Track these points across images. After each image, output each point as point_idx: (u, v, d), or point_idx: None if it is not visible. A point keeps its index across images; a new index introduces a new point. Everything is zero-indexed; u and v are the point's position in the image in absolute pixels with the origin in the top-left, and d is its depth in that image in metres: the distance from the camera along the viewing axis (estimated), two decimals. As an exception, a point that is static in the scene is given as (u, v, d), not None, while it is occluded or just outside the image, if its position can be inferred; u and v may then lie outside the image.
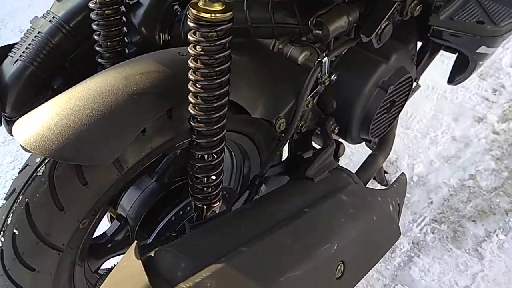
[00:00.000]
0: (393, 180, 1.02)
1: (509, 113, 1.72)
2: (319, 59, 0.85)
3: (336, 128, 1.00)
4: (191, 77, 0.62)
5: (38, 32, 0.84)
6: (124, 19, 0.82)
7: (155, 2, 0.92)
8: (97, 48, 0.83)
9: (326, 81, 0.90)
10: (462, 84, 1.83)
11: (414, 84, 1.26)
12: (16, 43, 0.86)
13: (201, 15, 0.55)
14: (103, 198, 0.68)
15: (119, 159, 0.66)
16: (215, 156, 0.73)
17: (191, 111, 0.65)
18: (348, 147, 1.26)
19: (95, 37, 0.81)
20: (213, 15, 0.55)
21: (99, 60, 0.84)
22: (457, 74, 1.12)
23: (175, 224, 0.86)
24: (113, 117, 0.62)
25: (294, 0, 0.90)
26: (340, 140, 1.07)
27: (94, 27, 0.80)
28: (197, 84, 0.62)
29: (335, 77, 0.94)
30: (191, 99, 0.64)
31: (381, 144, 1.14)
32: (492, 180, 1.50)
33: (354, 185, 0.87)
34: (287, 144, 1.04)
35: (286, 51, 0.98)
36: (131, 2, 0.89)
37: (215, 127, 0.68)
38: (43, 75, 0.84)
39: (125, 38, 0.84)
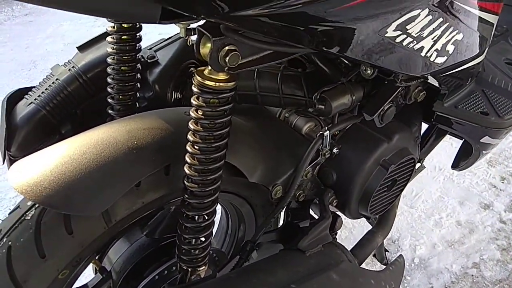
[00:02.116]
0: (391, 261, 0.99)
1: (517, 203, 1.68)
2: (320, 132, 0.86)
3: (335, 201, 0.99)
4: (190, 138, 0.63)
5: (56, 79, 0.89)
6: (139, 75, 0.86)
7: (172, 62, 0.97)
8: (109, 100, 0.86)
9: (326, 153, 0.91)
10: (469, 169, 1.83)
11: (418, 164, 1.27)
12: (33, 87, 0.90)
13: (205, 82, 0.58)
14: (87, 249, 0.67)
15: (109, 211, 0.66)
16: (206, 218, 0.72)
17: (186, 171, 0.66)
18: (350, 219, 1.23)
19: (109, 89, 0.85)
20: (217, 83, 0.58)
21: (109, 111, 0.87)
22: (462, 160, 1.12)
23: (158, 284, 0.83)
24: (109, 168, 0.63)
25: (303, 74, 0.94)
26: (339, 213, 1.05)
27: (109, 80, 0.84)
28: (195, 146, 0.64)
29: (337, 150, 0.95)
30: (187, 159, 0.65)
31: (381, 222, 1.12)
32: (497, 272, 1.44)
33: (347, 263, 0.84)
34: (284, 212, 1.04)
35: (291, 120, 1.01)
36: (149, 61, 0.94)
37: (208, 188, 0.68)
38: (54, 119, 0.87)
39: (137, 93, 0.87)
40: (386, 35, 0.56)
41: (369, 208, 1.00)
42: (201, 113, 0.61)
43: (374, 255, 1.50)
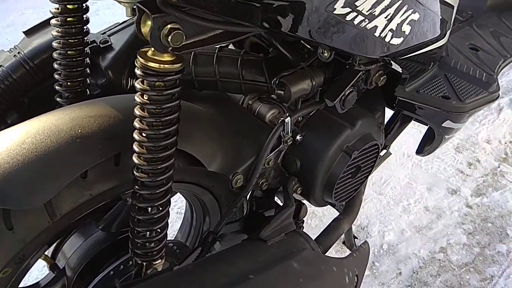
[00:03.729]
0: (357, 247, 0.98)
1: (483, 187, 1.71)
2: (282, 118, 0.84)
3: (299, 189, 0.97)
4: (137, 125, 0.60)
5: (0, 66, 0.83)
6: (88, 60, 0.81)
7: (127, 47, 0.92)
8: (57, 87, 0.81)
9: (289, 140, 0.88)
10: (437, 155, 1.86)
11: (384, 151, 1.26)
12: (-24, 75, 0.84)
13: (149, 64, 0.54)
14: (30, 245, 0.63)
15: (52, 204, 0.62)
16: (159, 209, 0.69)
17: (135, 160, 0.63)
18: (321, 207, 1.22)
19: (56, 76, 0.80)
20: (161, 65, 0.54)
21: (57, 99, 0.82)
22: (426, 146, 1.12)
23: (113, 280, 0.80)
24: (50, 159, 0.59)
25: (264, 59, 0.91)
26: (305, 201, 1.04)
27: (56, 66, 0.79)
28: (142, 133, 0.60)
29: (301, 137, 0.93)
30: (135, 148, 0.62)
31: (347, 209, 1.11)
32: (463, 255, 1.47)
33: (309, 251, 0.83)
34: (250, 201, 1.01)
35: (255, 107, 0.98)
36: (102, 46, 0.89)
37: (159, 178, 0.64)
38: (-2, 108, 0.81)
39: (88, 80, 0.83)
40: (335, 12, 0.53)
41: (334, 195, 0.99)
42: (146, 98, 0.57)
43: (344, 242, 1.51)
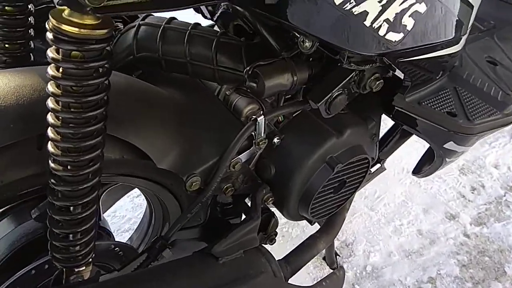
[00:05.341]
0: (328, 274, 0.86)
1: (484, 216, 1.57)
2: (254, 117, 0.71)
3: (271, 199, 0.85)
4: (50, 105, 0.47)
5: None
6: (32, 21, 0.69)
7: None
8: (-8, 49, 0.69)
9: (261, 142, 0.76)
10: (439, 174, 1.71)
11: (378, 166, 1.13)
12: None
13: (63, 27, 0.42)
14: None
15: None
16: (84, 208, 0.57)
17: (51, 149, 0.50)
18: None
19: (-9, 35, 0.68)
20: (79, 29, 0.42)
21: (-6, 63, 0.70)
22: (424, 166, 0.99)
23: (33, 281, 0.68)
24: None
25: (244, 44, 0.78)
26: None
27: (-9, 23, 0.67)
28: (58, 116, 0.48)
29: (278, 141, 0.80)
30: (50, 134, 0.49)
31: (326, 226, 0.98)
32: (453, 289, 1.33)
33: (268, 276, 0.70)
34: (212, 206, 0.89)
35: (232, 99, 0.85)
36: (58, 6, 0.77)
37: (81, 172, 0.52)
38: None
39: (32, 43, 0.70)
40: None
41: (310, 211, 0.86)
42: (61, 71, 0.45)
43: (324, 258, 1.38)
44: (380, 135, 1.11)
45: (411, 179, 1.67)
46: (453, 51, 0.78)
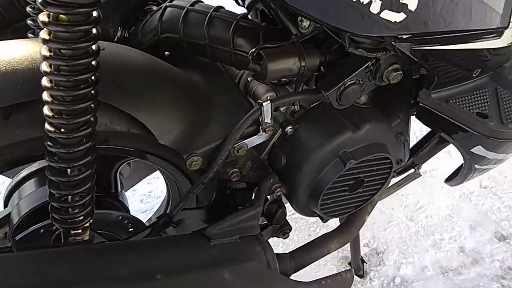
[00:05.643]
0: (332, 274, 0.82)
1: (542, 242, 1.40)
2: (259, 101, 0.70)
3: (278, 189, 0.83)
4: (44, 68, 0.50)
5: None
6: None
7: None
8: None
9: (268, 130, 0.74)
10: (495, 191, 1.55)
11: (412, 170, 1.05)
12: None
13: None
14: None
15: None
16: (80, 171, 0.60)
17: (46, 112, 0.53)
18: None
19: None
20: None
21: None
22: (458, 174, 0.90)
23: (39, 237, 0.73)
24: None
25: (263, 28, 0.77)
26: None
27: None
28: (50, 79, 0.50)
29: (291, 130, 0.78)
30: (44, 97, 0.52)
31: (342, 226, 0.94)
32: (492, 317, 1.21)
33: (258, 264, 0.69)
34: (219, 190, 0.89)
35: (251, 86, 0.84)
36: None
37: (75, 135, 0.55)
38: None
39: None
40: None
41: (320, 206, 0.83)
42: (51, 35, 0.47)
43: (350, 263, 1.32)
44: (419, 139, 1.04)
45: (461, 192, 1.53)
46: (495, 46, 0.70)
